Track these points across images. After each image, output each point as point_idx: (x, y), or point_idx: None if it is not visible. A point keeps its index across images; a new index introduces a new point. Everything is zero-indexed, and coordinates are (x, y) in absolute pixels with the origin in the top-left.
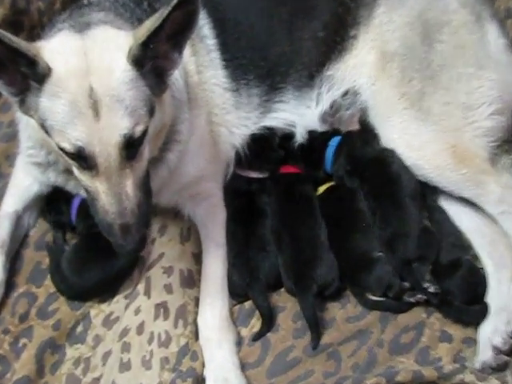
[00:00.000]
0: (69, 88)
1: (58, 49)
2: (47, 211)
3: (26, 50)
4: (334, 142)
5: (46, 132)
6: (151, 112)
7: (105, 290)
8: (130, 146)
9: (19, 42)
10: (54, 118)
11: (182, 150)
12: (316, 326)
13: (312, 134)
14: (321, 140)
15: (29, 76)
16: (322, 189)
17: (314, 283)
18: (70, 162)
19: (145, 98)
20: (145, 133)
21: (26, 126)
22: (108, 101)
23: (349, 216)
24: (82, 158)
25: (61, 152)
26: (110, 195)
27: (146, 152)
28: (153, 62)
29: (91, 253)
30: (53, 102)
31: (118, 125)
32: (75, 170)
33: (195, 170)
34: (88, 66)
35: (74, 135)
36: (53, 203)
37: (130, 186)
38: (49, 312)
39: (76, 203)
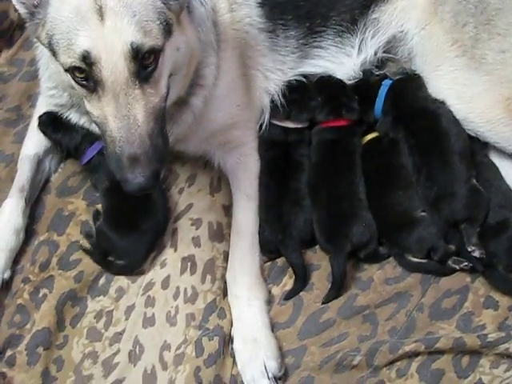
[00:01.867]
0: None
1: None
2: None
3: None
4: (388, 82)
5: (54, 54)
6: (167, 31)
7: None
8: (141, 64)
9: None
10: (60, 29)
11: (208, 95)
12: (339, 288)
13: (367, 74)
14: (376, 78)
15: None
16: (364, 139)
17: (349, 241)
18: (78, 88)
19: (157, 11)
20: (159, 53)
21: (47, 66)
22: (113, 5)
23: (390, 171)
24: (88, 74)
25: (69, 79)
26: (117, 118)
27: (164, 81)
28: None
29: (126, 217)
30: (59, 10)
31: (123, 30)
32: (85, 103)
33: (224, 117)
34: None
35: (78, 43)
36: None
37: (139, 111)
38: (70, 262)
39: (97, 146)
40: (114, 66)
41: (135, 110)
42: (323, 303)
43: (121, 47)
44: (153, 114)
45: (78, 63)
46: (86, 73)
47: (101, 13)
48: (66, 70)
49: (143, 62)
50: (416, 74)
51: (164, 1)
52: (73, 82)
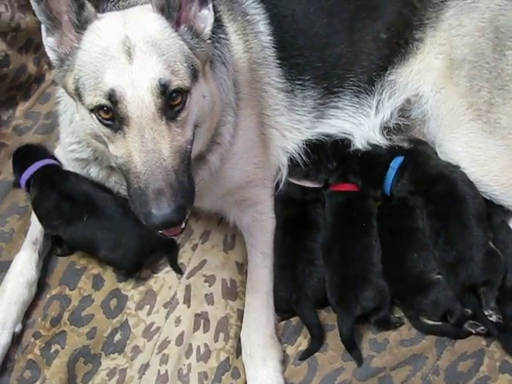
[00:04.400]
0: (104, 37)
1: (102, 17)
2: None
3: None
4: (396, 164)
5: (80, 98)
6: (194, 75)
7: None
8: (168, 103)
9: None
10: (87, 69)
11: (224, 153)
12: (353, 349)
13: (375, 150)
14: (383, 159)
15: (75, 23)
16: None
17: (358, 304)
18: (102, 130)
19: (185, 54)
20: (186, 94)
21: (71, 121)
22: (142, 45)
23: (406, 234)
24: (114, 112)
25: (92, 127)
26: (143, 152)
27: (191, 125)
28: (186, 24)
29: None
30: (89, 52)
31: (151, 68)
32: (109, 146)
33: (241, 175)
34: (125, 20)
35: (105, 81)
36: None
37: (165, 146)
38: (82, 317)
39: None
40: (140, 100)
41: (161, 145)
42: (358, 366)
43: (148, 82)
44: (178, 153)
45: (103, 101)
46: (111, 112)
47: (129, 52)
48: (91, 111)
49: (170, 103)
50: (424, 142)
51: (191, 46)
52: (95, 125)
